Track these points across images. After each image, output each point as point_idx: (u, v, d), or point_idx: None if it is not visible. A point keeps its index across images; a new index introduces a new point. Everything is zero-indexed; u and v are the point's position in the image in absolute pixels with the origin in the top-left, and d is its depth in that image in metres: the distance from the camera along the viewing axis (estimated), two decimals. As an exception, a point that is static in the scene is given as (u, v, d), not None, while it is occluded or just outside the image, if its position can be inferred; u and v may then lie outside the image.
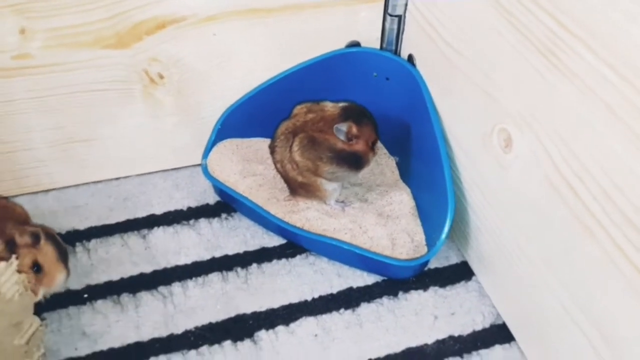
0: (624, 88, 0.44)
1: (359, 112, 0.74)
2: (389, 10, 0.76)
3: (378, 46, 0.80)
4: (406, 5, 0.75)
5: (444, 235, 0.68)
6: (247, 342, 0.67)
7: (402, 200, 0.78)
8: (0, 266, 0.56)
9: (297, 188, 0.77)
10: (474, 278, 0.73)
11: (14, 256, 0.57)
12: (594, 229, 0.50)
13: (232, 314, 0.70)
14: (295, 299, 0.71)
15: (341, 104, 0.74)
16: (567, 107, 0.51)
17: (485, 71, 0.62)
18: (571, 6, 0.48)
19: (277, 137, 0.75)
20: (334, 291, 0.72)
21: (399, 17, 0.76)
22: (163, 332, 0.68)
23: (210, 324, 0.69)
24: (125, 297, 0.71)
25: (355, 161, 0.73)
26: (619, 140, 0.46)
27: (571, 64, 0.49)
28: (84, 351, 0.67)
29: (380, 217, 0.76)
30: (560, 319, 0.57)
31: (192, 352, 0.67)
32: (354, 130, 0.71)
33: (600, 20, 0.45)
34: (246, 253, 0.76)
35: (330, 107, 0.74)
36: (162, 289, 0.72)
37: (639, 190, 0.45)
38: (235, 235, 0.78)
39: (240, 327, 0.69)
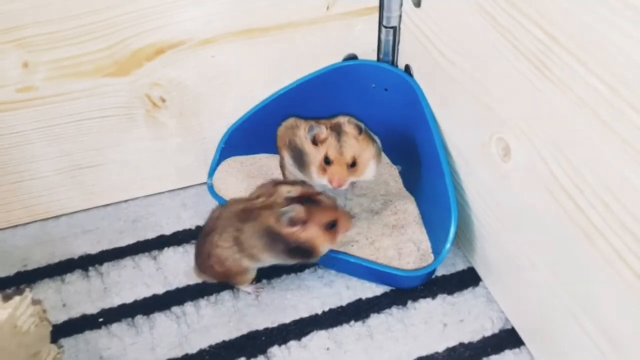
0: (613, 98, 0.45)
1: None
2: (384, 22, 0.77)
3: (375, 58, 0.81)
4: (400, 16, 0.75)
5: (448, 244, 0.69)
6: (260, 359, 0.68)
7: (406, 209, 0.79)
8: (15, 300, 0.57)
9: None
10: (481, 284, 0.74)
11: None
12: (593, 236, 0.51)
13: (245, 331, 0.71)
14: (305, 313, 0.72)
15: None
16: (560, 117, 0.51)
17: (479, 81, 0.62)
18: (558, 18, 0.49)
19: None
20: (344, 303, 0.73)
21: (394, 28, 0.77)
22: (178, 353, 0.69)
23: (224, 342, 0.70)
24: (140, 319, 0.72)
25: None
26: (612, 150, 0.46)
27: (561, 74, 0.50)
28: (102, 375, 0.68)
29: (385, 227, 0.77)
30: (567, 322, 0.58)
31: (208, 371, 0.68)
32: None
33: (587, 31, 0.46)
34: (256, 269, 0.77)
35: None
36: (175, 309, 0.73)
37: (635, 199, 0.45)
38: (243, 252, 0.79)
39: (253, 344, 0.70)
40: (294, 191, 0.67)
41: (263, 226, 0.66)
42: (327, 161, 0.73)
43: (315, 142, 0.74)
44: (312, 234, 0.65)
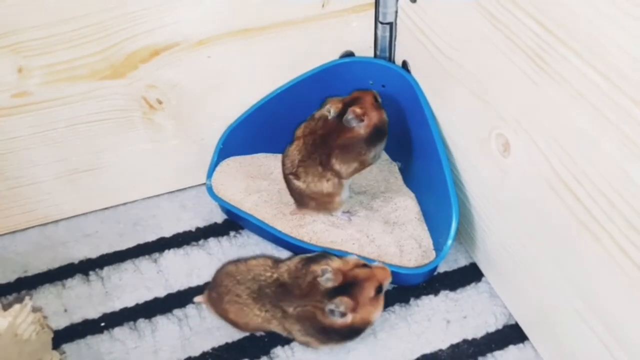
0: (611, 91, 0.45)
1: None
2: (380, 18, 0.76)
3: (372, 54, 0.81)
4: (396, 12, 0.75)
5: (450, 241, 0.68)
6: (263, 360, 0.68)
7: (407, 205, 0.79)
8: (15, 308, 0.57)
9: (309, 201, 0.77)
10: (483, 279, 0.74)
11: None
12: (595, 230, 0.50)
13: (248, 332, 0.71)
14: (308, 313, 0.72)
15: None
16: (559, 111, 0.51)
17: (477, 77, 0.62)
18: (555, 11, 0.48)
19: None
20: (346, 302, 0.73)
21: (390, 24, 0.76)
22: (181, 356, 0.69)
23: (227, 344, 0.70)
24: (142, 323, 0.72)
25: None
26: (611, 143, 0.46)
27: (559, 67, 0.49)
28: (105, 380, 0.68)
29: (386, 224, 0.76)
30: (570, 316, 0.58)
31: (211, 373, 0.68)
32: (358, 111, 0.71)
33: (584, 24, 0.46)
34: (257, 270, 0.77)
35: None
36: (177, 311, 0.73)
37: (635, 191, 0.45)
38: (244, 253, 0.79)
39: (256, 345, 0.70)
40: (331, 277, 0.64)
41: (310, 321, 0.64)
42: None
43: (361, 119, 0.72)
44: (363, 313, 0.64)
